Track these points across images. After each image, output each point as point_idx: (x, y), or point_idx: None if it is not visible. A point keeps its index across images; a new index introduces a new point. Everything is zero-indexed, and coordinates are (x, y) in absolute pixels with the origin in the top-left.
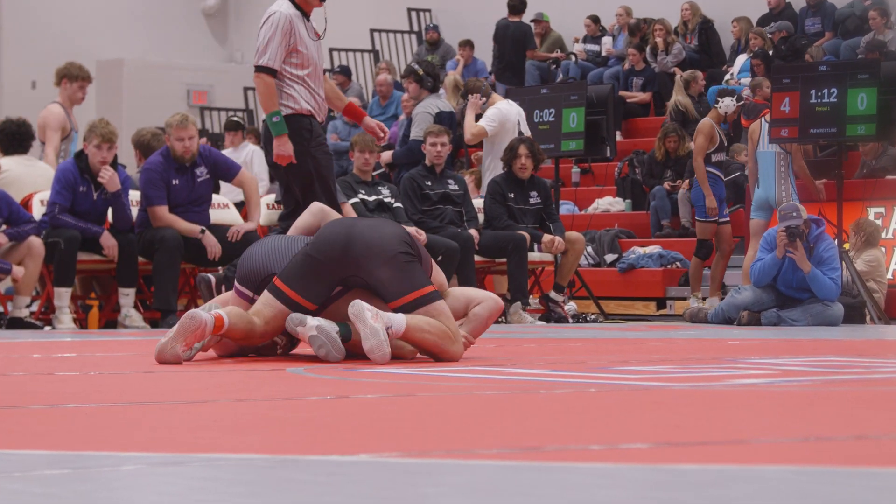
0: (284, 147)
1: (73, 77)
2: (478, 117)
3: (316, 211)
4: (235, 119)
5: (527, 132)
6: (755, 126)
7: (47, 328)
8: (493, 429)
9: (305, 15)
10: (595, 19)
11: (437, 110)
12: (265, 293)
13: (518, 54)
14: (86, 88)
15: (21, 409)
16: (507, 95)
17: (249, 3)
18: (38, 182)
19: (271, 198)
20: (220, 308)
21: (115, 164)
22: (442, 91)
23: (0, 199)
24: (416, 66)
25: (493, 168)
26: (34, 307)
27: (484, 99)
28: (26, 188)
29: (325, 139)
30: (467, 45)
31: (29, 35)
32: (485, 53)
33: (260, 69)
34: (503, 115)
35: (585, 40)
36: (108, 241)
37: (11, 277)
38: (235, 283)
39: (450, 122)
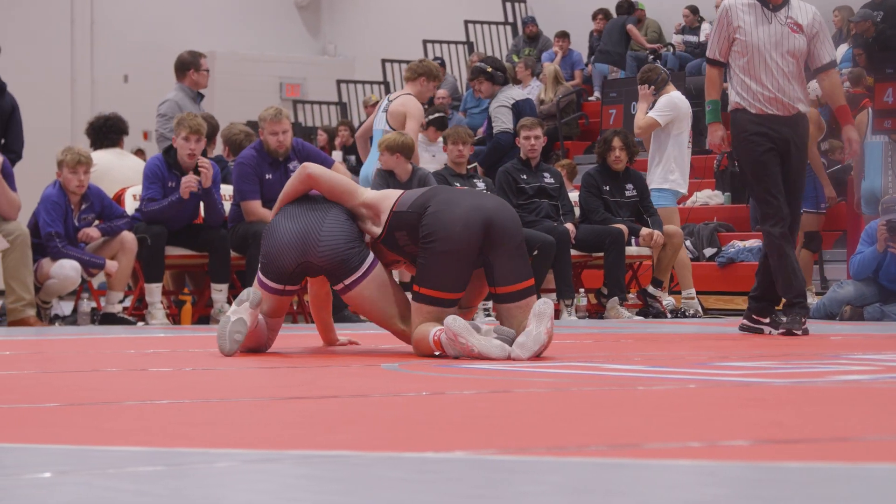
0: (712, 135)
1: (432, 76)
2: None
3: (303, 177)
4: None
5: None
6: (861, 117)
7: (140, 324)
8: (591, 425)
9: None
10: (694, 9)
11: (513, 101)
12: (419, 305)
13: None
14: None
15: (115, 405)
16: (604, 87)
17: None
18: (129, 175)
19: None
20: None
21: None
22: (537, 82)
23: (93, 194)
24: (482, 65)
25: (662, 162)
26: (127, 303)
27: (654, 89)
28: (117, 182)
29: (756, 132)
30: (564, 36)
31: (121, 29)
32: (581, 44)
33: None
34: (675, 105)
35: (684, 31)
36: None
37: (104, 272)
38: (261, 276)
39: (530, 109)
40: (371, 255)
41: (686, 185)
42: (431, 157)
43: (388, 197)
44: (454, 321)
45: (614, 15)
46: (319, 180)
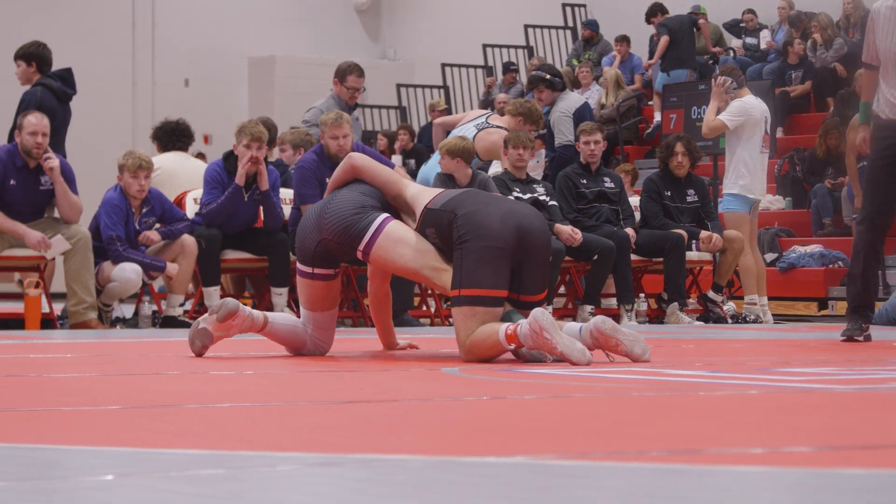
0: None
1: (530, 120)
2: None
3: (348, 167)
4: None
5: (767, 131)
6: None
7: (202, 317)
8: (651, 431)
9: None
10: (754, 13)
11: (573, 109)
12: (465, 309)
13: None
14: None
15: (176, 407)
16: (664, 92)
17: (402, 0)
18: (193, 178)
19: None
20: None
21: (266, 164)
22: (597, 86)
23: (154, 197)
24: (540, 73)
25: (733, 166)
26: (188, 306)
27: (734, 85)
28: (183, 185)
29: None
30: (623, 40)
31: (182, 33)
32: (641, 48)
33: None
34: (747, 109)
35: (744, 35)
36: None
37: (165, 275)
38: (297, 264)
39: (589, 114)
40: (381, 216)
41: (760, 191)
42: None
43: (426, 194)
44: (543, 314)
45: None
46: (362, 170)
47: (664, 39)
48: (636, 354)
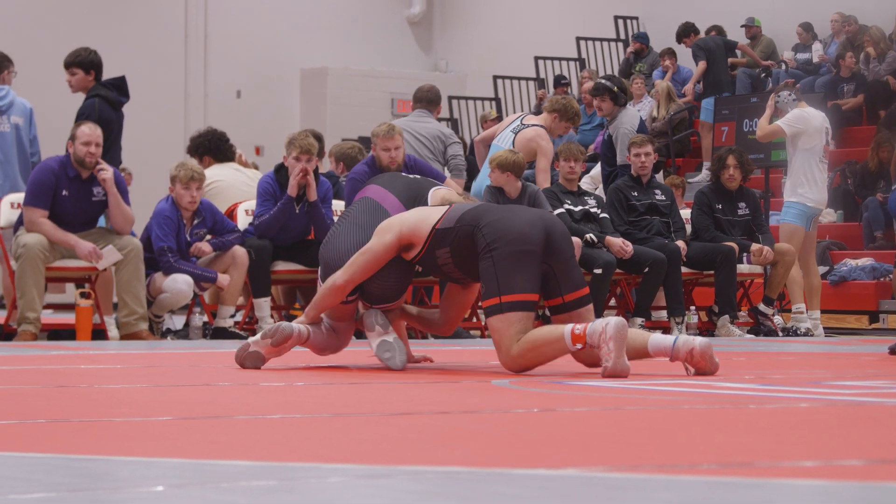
0: None
1: (566, 117)
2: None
3: (334, 291)
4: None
5: (828, 142)
6: None
7: (251, 338)
8: (702, 443)
9: None
10: (807, 27)
11: (635, 125)
12: (508, 316)
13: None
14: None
15: (227, 419)
16: (716, 105)
17: (455, 12)
18: (245, 190)
19: None
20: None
21: (317, 176)
22: (649, 98)
23: (205, 208)
24: (609, 83)
25: (791, 175)
26: (238, 317)
27: (792, 96)
28: (233, 196)
29: None
30: (671, 54)
31: (234, 45)
32: (690, 61)
33: None
34: (806, 118)
35: (797, 48)
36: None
37: (216, 286)
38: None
39: (641, 128)
40: None
41: (819, 201)
42: None
43: (428, 217)
44: (624, 327)
45: (727, 33)
46: (349, 282)
47: (702, 65)
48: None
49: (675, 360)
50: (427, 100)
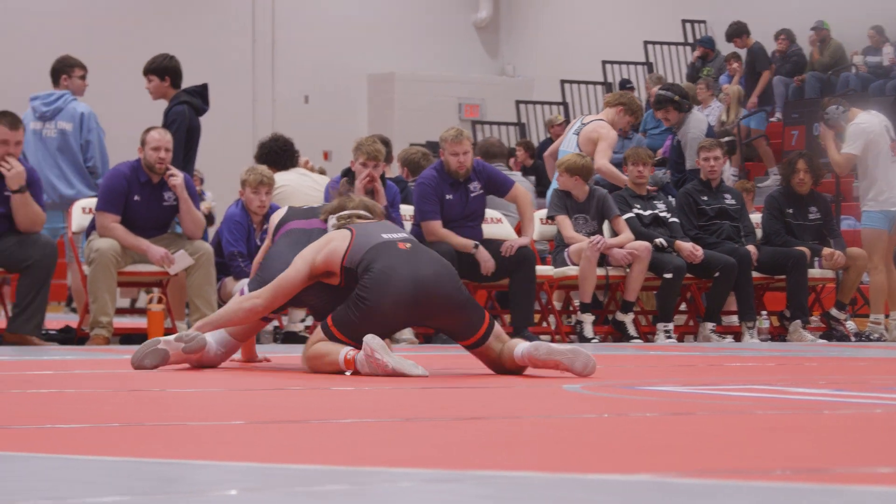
0: None
1: (630, 111)
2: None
3: (246, 312)
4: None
5: (893, 137)
6: None
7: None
8: (775, 449)
9: None
10: (879, 30)
11: (703, 130)
12: (318, 332)
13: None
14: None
15: (299, 423)
16: (784, 108)
17: (522, 16)
18: (313, 195)
19: (544, 213)
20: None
21: (384, 181)
22: (717, 103)
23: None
24: (668, 93)
25: (873, 186)
26: (309, 321)
27: (840, 109)
28: (302, 201)
29: None
30: (735, 58)
31: (302, 50)
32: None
33: None
34: (864, 129)
35: (867, 52)
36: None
37: None
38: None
39: (710, 132)
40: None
41: None
42: None
43: (336, 252)
44: (372, 339)
45: (797, 36)
46: (266, 308)
47: (765, 75)
48: (578, 370)
49: (525, 364)
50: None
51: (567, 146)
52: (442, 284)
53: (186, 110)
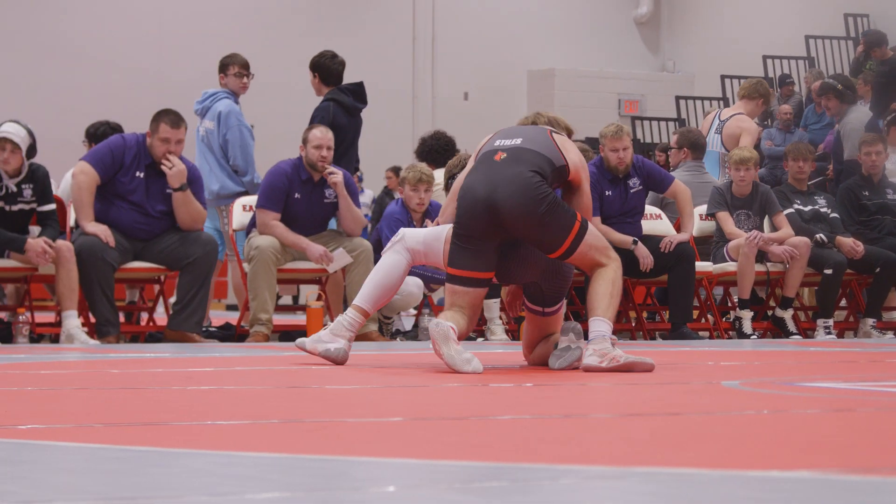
0: None
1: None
2: None
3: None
4: None
5: None
6: None
7: (480, 339)
8: None
9: None
10: None
11: (863, 122)
12: (448, 286)
13: None
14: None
15: (458, 420)
16: None
17: (683, 11)
18: None
19: (704, 208)
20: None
21: None
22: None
23: (435, 210)
24: (833, 82)
25: None
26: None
27: None
28: None
29: None
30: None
31: (462, 47)
32: None
33: None
34: None
35: None
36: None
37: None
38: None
39: (875, 128)
40: None
41: None
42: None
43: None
44: (436, 326)
45: None
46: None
47: None
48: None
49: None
50: None
51: (712, 146)
52: (515, 203)
53: (331, 107)
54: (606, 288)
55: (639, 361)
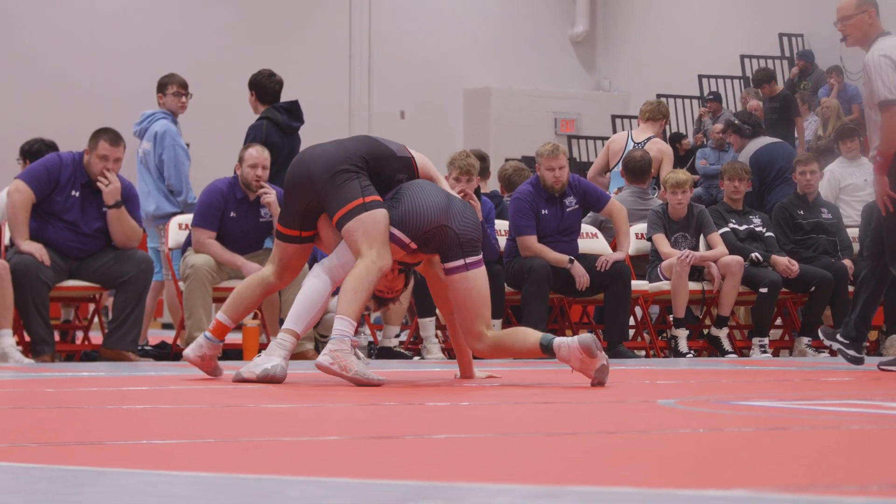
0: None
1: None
2: None
3: None
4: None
5: None
6: None
7: (416, 358)
8: (872, 464)
9: None
10: None
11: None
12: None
13: None
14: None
15: (394, 439)
16: None
17: (618, 30)
18: None
19: (638, 227)
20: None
21: (479, 195)
22: (814, 117)
23: None
24: (732, 119)
25: None
26: (403, 336)
27: None
28: None
29: None
30: (837, 70)
31: (398, 65)
32: (856, 77)
33: None
34: None
35: None
36: None
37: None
38: (393, 229)
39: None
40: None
41: None
42: None
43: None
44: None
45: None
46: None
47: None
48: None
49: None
50: None
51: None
52: (313, 164)
53: (265, 125)
54: (351, 283)
55: (366, 378)
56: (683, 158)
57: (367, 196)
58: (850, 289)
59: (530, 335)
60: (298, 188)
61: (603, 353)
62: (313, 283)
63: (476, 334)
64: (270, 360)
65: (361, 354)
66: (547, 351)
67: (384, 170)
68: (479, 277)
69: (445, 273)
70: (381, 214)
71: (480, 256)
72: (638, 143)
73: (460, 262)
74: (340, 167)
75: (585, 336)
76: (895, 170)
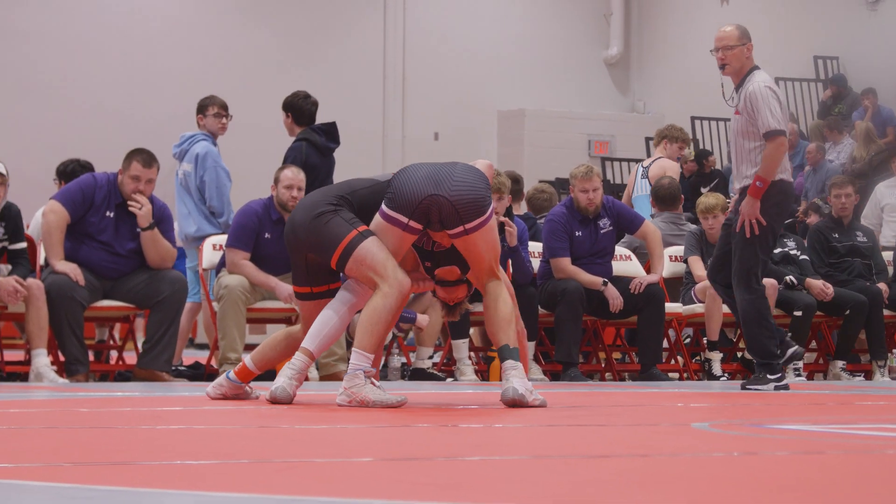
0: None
1: (673, 138)
2: None
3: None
4: None
5: None
6: None
7: (449, 380)
8: None
9: None
10: None
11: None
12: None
13: None
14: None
15: (426, 460)
16: None
17: (652, 52)
18: None
19: (672, 250)
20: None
21: (510, 216)
22: (849, 140)
23: None
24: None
25: None
26: (437, 358)
27: None
28: None
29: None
30: (871, 93)
31: (432, 88)
32: (891, 100)
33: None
34: None
35: None
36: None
37: (416, 327)
38: (385, 208)
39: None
40: (492, 205)
41: None
42: None
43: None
44: (350, 379)
45: None
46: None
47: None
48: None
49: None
50: None
51: (641, 191)
52: (295, 216)
53: (303, 147)
54: (367, 316)
55: (387, 403)
56: (708, 176)
57: (355, 228)
58: (886, 312)
59: (510, 336)
60: (291, 245)
61: (529, 398)
62: (333, 304)
63: (482, 287)
64: (276, 381)
65: (377, 382)
66: (500, 357)
67: (370, 200)
68: (479, 240)
69: (450, 238)
70: (374, 239)
71: (485, 217)
72: (646, 167)
73: (460, 229)
74: (317, 210)
75: (507, 390)
76: (770, 197)
